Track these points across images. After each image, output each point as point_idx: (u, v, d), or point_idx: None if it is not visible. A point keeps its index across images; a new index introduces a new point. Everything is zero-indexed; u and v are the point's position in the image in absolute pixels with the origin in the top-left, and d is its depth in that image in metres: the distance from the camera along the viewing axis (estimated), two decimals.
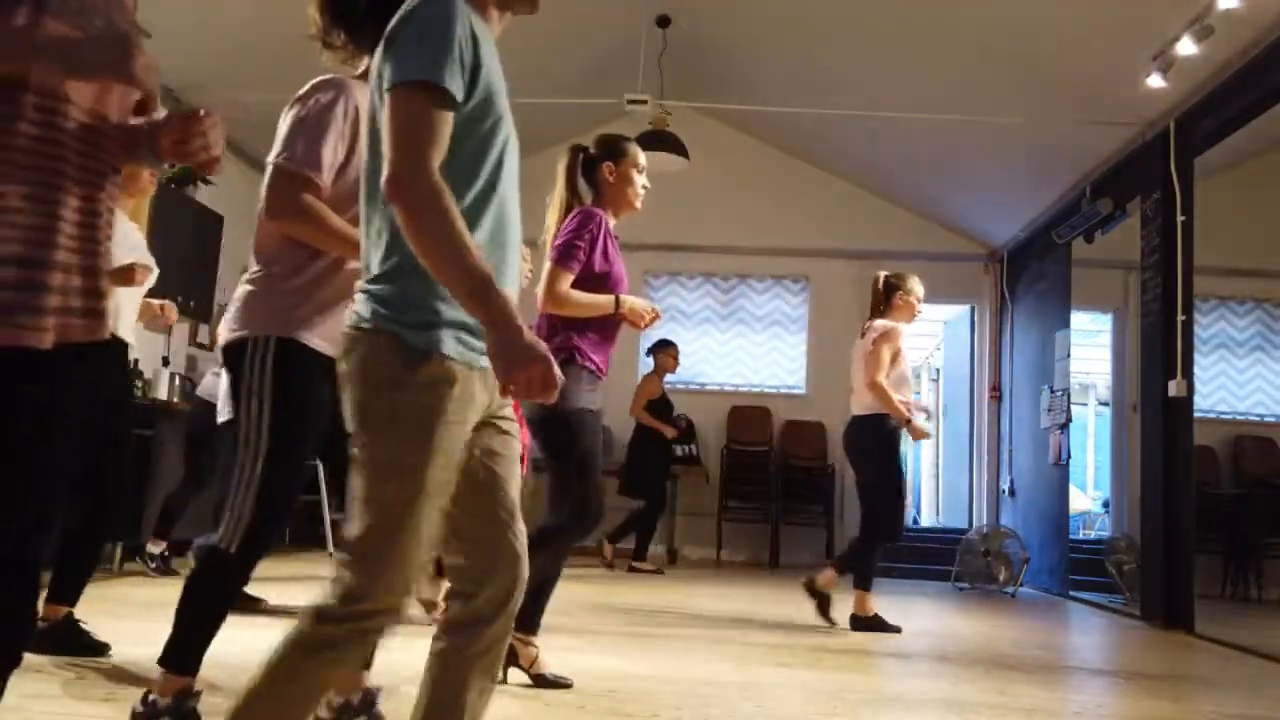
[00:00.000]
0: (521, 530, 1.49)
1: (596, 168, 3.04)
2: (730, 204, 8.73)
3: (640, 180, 3.06)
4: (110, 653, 2.91)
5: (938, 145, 7.37)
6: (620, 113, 6.93)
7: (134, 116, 1.53)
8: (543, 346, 1.30)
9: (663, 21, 6.95)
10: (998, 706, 3.01)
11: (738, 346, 9.03)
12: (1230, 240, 7.15)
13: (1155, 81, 5.34)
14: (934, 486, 11.15)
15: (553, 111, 6.75)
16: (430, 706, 1.44)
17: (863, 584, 4.53)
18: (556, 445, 2.81)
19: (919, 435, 4.59)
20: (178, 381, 5.88)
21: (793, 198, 8.82)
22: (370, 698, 2.11)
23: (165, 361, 6.16)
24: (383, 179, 1.31)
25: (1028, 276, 8.30)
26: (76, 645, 2.89)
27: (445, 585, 1.52)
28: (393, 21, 1.38)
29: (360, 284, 1.44)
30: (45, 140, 1.35)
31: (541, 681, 2.84)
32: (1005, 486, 8.51)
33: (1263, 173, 7.24)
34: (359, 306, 1.40)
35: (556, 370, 1.30)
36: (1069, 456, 7.23)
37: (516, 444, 1.53)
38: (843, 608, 4.56)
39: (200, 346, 6.84)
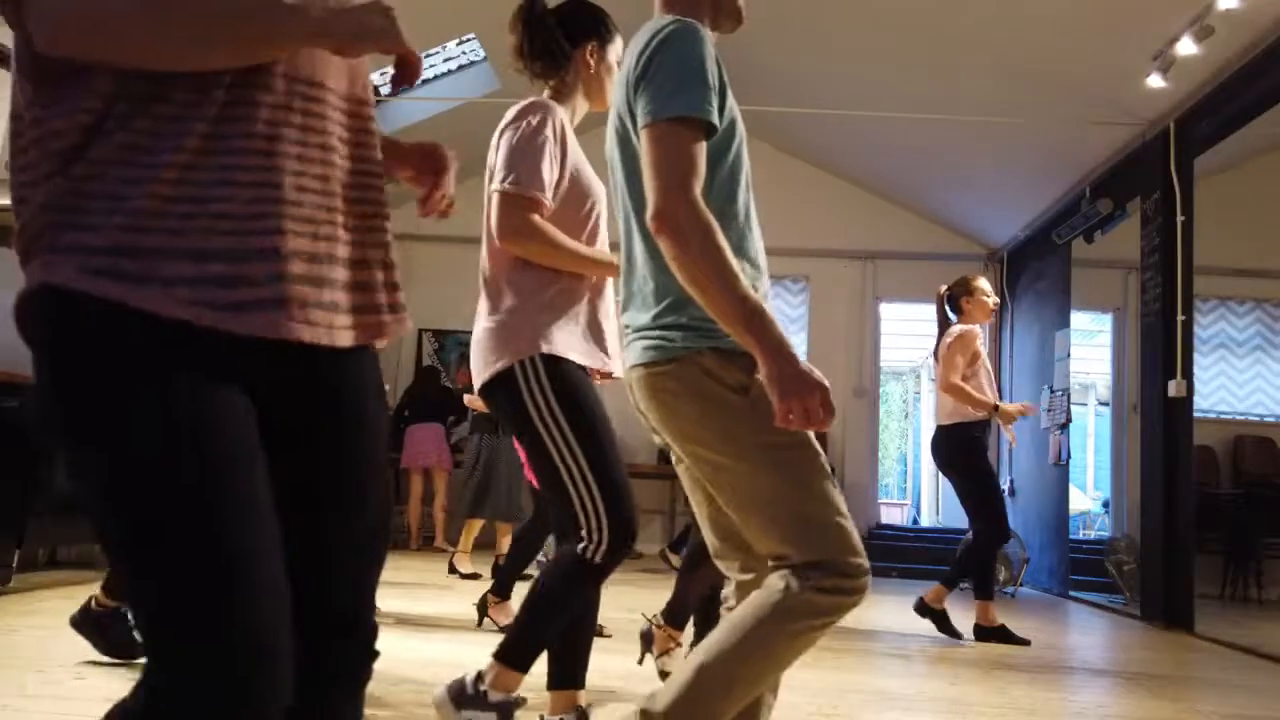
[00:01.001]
0: None
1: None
2: None
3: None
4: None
5: (938, 145, 7.37)
6: None
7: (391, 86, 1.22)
8: (818, 375, 1.31)
9: None
10: (998, 706, 3.01)
11: None
12: (1230, 240, 7.17)
13: (1155, 81, 5.34)
14: (934, 486, 11.16)
15: None
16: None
17: (984, 594, 4.49)
18: None
19: (1009, 417, 4.52)
20: None
21: (793, 198, 8.82)
22: (513, 704, 2.07)
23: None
24: (648, 214, 1.32)
25: (1027, 276, 8.30)
26: (126, 641, 2.77)
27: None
28: (640, 57, 1.40)
29: (639, 323, 1.45)
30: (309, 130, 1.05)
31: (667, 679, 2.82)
32: (1005, 486, 8.51)
33: (1263, 173, 7.26)
34: (655, 343, 1.42)
35: (831, 398, 1.32)
36: (1069, 456, 7.23)
37: None
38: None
39: None
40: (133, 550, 0.91)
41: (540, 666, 2.09)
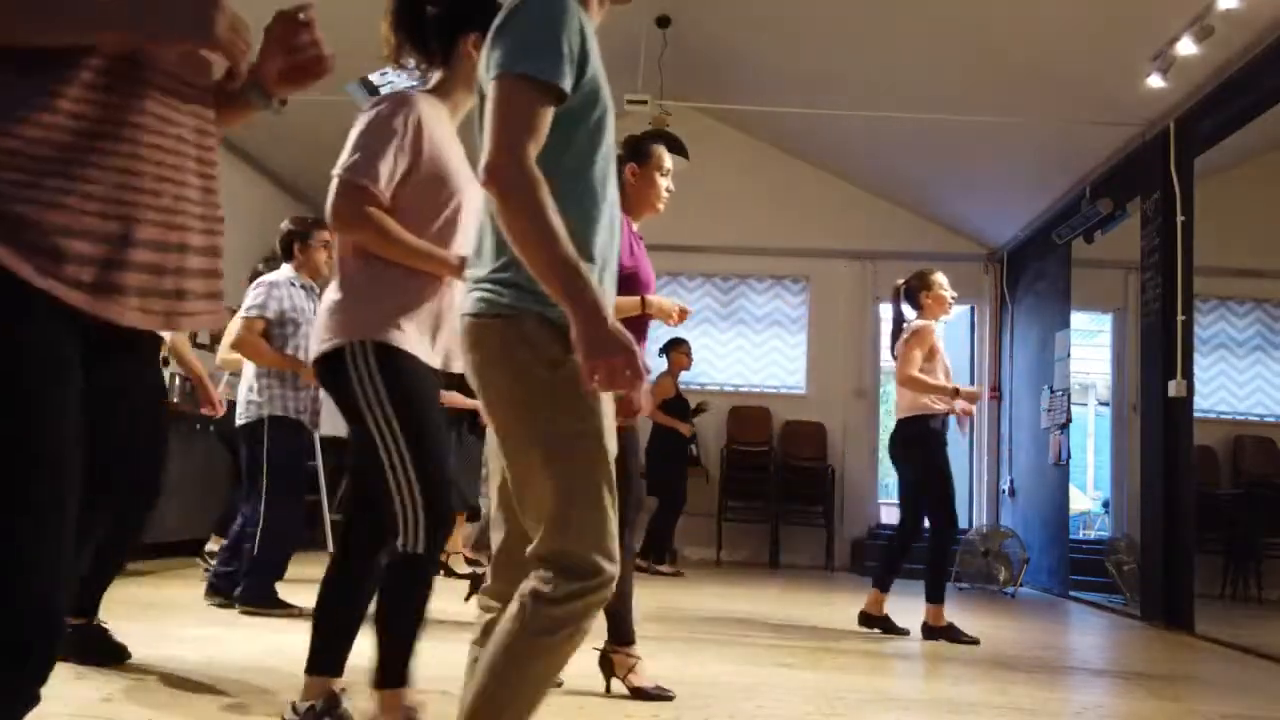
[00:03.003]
0: None
1: (620, 169, 3.02)
2: (730, 204, 8.72)
3: (664, 183, 3.05)
4: (129, 658, 2.84)
5: (938, 145, 7.37)
6: (620, 113, 6.83)
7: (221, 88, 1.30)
8: (628, 338, 1.30)
9: (663, 21, 6.95)
10: (998, 706, 3.01)
11: (738, 347, 9.02)
12: (1230, 240, 7.16)
13: (1155, 81, 5.34)
14: None
15: None
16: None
17: (935, 597, 4.43)
18: None
19: (973, 397, 4.55)
20: (178, 381, 5.88)
21: (793, 198, 8.82)
22: (334, 700, 2.10)
23: (165, 362, 6.16)
24: (479, 166, 1.33)
25: (1028, 276, 8.30)
26: (101, 650, 2.81)
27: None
28: (502, 11, 1.39)
29: (477, 274, 1.45)
30: (117, 108, 1.09)
31: (640, 694, 2.81)
32: (1005, 486, 8.51)
33: (1263, 173, 7.24)
34: (485, 294, 1.41)
35: (642, 361, 1.32)
36: (1069, 456, 7.22)
37: None
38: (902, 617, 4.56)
39: (200, 346, 6.84)
40: None
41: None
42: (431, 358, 2.08)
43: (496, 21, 1.40)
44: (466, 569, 5.78)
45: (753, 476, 8.38)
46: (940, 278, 4.79)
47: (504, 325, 1.39)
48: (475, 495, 5.49)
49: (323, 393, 3.95)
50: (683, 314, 3.00)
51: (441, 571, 5.88)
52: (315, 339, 2.09)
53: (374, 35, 2.05)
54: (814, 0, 6.25)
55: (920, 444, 4.53)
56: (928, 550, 4.58)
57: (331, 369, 2.03)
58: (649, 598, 5.41)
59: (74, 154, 1.03)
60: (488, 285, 1.42)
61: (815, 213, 8.82)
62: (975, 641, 4.36)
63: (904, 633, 4.45)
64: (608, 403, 1.43)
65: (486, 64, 1.40)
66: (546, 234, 1.30)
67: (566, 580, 1.33)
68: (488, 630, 1.49)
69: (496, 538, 1.55)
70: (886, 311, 4.87)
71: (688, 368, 7.49)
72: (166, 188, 1.11)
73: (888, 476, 13.22)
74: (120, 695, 2.46)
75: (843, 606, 4.61)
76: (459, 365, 1.95)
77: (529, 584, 1.36)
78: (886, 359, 10.17)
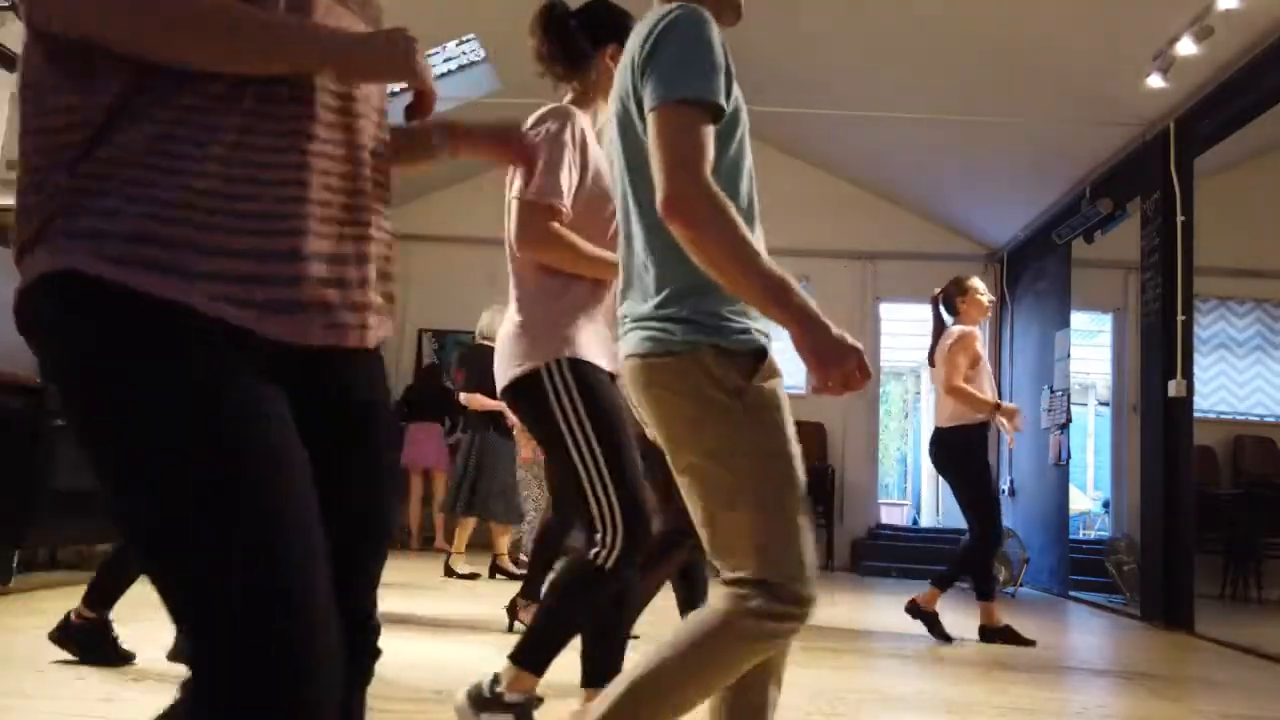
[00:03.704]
0: None
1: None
2: None
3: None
4: (134, 661, 2.81)
5: (938, 145, 7.37)
6: None
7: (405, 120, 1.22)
8: (851, 339, 1.31)
9: None
10: (998, 706, 3.01)
11: None
12: (1230, 240, 7.16)
13: (1155, 81, 5.34)
14: (934, 487, 11.15)
15: None
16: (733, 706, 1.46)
17: (985, 595, 4.48)
18: None
19: (1011, 414, 4.51)
20: None
21: (793, 198, 8.80)
22: (530, 702, 2.09)
23: None
24: (658, 198, 1.30)
25: (1028, 276, 8.30)
26: (106, 652, 2.79)
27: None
28: (646, 40, 1.38)
29: (639, 313, 1.43)
30: (277, 119, 1.01)
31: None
32: (1005, 486, 8.51)
33: (1263, 173, 7.25)
34: (654, 334, 1.39)
35: (867, 361, 1.32)
36: (1069, 456, 7.22)
37: None
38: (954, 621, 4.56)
39: None
40: (186, 539, 0.86)
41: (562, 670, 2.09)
42: (608, 364, 2.08)
43: (644, 50, 1.38)
44: (467, 569, 5.79)
45: None
46: (977, 282, 4.79)
47: (680, 362, 1.37)
48: (516, 505, 5.53)
49: None
50: None
51: (491, 574, 5.89)
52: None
53: (398, 23, 2.05)
54: (814, 0, 6.25)
55: (963, 455, 4.53)
56: (961, 550, 4.57)
57: (526, 391, 2.02)
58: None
59: (231, 173, 0.95)
60: (655, 324, 1.40)
61: (815, 213, 8.82)
62: (1032, 643, 4.35)
63: (1030, 643, 4.37)
64: (791, 425, 1.42)
65: (633, 91, 1.39)
66: (746, 254, 1.28)
67: (776, 601, 1.32)
68: None
69: None
70: (887, 311, 4.87)
71: None
72: (335, 198, 1.03)
73: (887, 477, 13.25)
74: (120, 695, 2.46)
75: (843, 606, 4.62)
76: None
77: (740, 589, 1.34)
78: (887, 359, 10.17)
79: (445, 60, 6.79)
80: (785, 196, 8.82)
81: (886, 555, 8.09)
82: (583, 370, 1.99)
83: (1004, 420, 4.51)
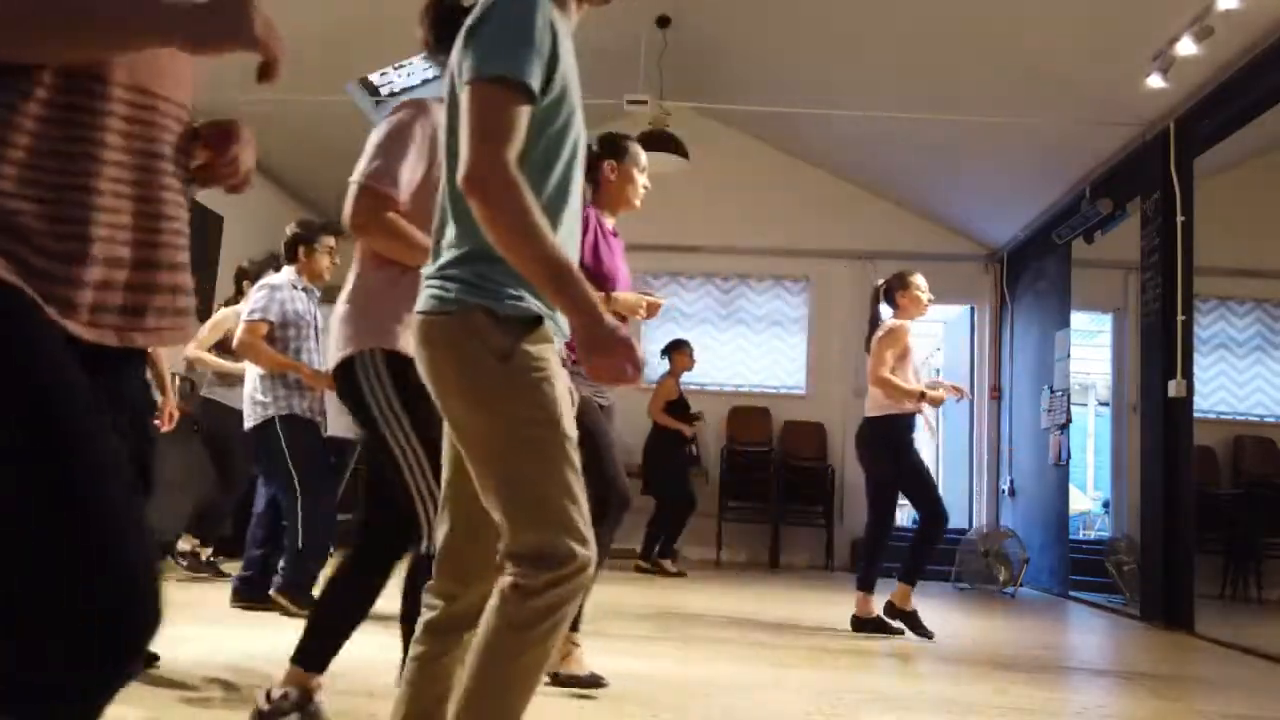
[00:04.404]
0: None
1: (597, 165, 3.06)
2: (730, 204, 8.73)
3: (641, 180, 3.09)
4: (159, 663, 2.75)
5: (938, 145, 7.37)
6: (620, 113, 6.92)
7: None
8: (624, 331, 1.32)
9: (663, 21, 6.95)
10: (998, 706, 3.01)
11: (738, 347, 9.02)
12: (1230, 240, 7.16)
13: (1155, 81, 5.34)
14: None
15: None
16: (413, 711, 1.45)
17: (866, 586, 4.51)
18: None
19: (938, 400, 4.61)
20: (178, 382, 5.88)
21: (793, 198, 8.82)
22: (308, 695, 2.10)
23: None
24: (459, 173, 1.32)
25: (1027, 277, 8.30)
26: None
27: None
28: (473, 14, 1.39)
29: (429, 271, 1.44)
30: (73, 124, 1.06)
31: (573, 682, 2.81)
32: (1005, 486, 8.51)
33: (1263, 173, 7.24)
34: (436, 292, 1.41)
35: (641, 355, 1.33)
36: (1069, 456, 7.23)
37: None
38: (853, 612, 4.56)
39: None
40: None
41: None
42: None
43: (465, 25, 1.39)
44: None
45: (753, 476, 8.37)
46: (919, 280, 4.82)
47: (451, 321, 1.38)
48: None
49: (328, 394, 3.96)
50: (652, 307, 3.00)
51: None
52: (332, 347, 2.09)
53: (374, 35, 2.05)
54: (815, 1, 6.25)
55: (887, 443, 4.55)
56: (914, 538, 4.64)
57: (346, 377, 2.05)
58: (649, 597, 5.41)
59: (33, 172, 1.01)
60: (436, 282, 1.42)
61: (815, 213, 8.82)
62: (930, 636, 4.41)
63: (899, 632, 4.44)
64: (564, 388, 1.41)
65: (458, 70, 1.39)
66: (533, 236, 1.30)
67: (542, 570, 1.32)
68: (430, 629, 1.47)
69: (441, 533, 1.53)
70: (887, 312, 4.88)
71: (690, 368, 7.51)
72: (124, 204, 1.08)
73: None
74: (119, 695, 2.45)
75: (843, 606, 4.62)
76: None
77: (505, 579, 1.34)
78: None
79: (409, 75, 6.79)
80: (785, 196, 8.85)
81: (887, 555, 8.07)
82: (398, 364, 1.98)
83: (929, 407, 4.58)
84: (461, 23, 1.94)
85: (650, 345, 7.91)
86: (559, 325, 1.44)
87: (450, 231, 1.43)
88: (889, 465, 4.57)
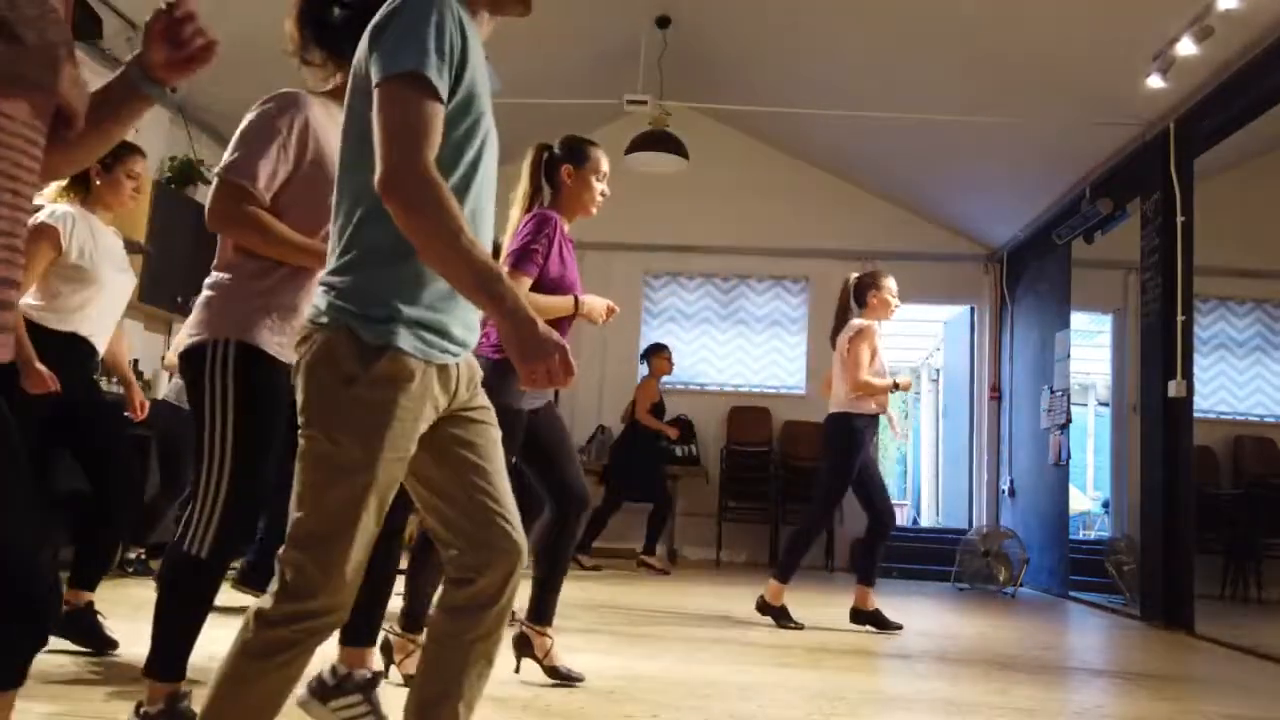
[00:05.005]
0: (513, 514, 1.48)
1: (556, 169, 2.99)
2: (730, 204, 8.73)
3: (599, 187, 3.00)
4: (115, 650, 2.91)
5: (938, 145, 7.37)
6: (620, 113, 6.93)
7: (56, 135, 1.25)
8: (556, 336, 1.31)
9: (663, 22, 6.95)
10: (998, 707, 3.01)
11: (738, 347, 9.02)
12: (1230, 240, 7.16)
13: (1155, 82, 5.34)
14: (934, 486, 11.15)
15: (553, 112, 6.75)
16: (429, 689, 1.44)
17: (782, 578, 4.55)
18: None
19: (907, 386, 4.81)
20: (176, 380, 5.89)
21: (793, 198, 8.82)
22: (375, 678, 2.09)
23: (163, 360, 6.17)
24: (376, 176, 1.28)
25: (1027, 277, 8.30)
26: (92, 636, 2.91)
27: None
28: (378, 15, 1.36)
29: (321, 275, 1.43)
30: None
31: (554, 674, 2.86)
32: (1005, 487, 8.51)
33: (1263, 173, 7.24)
34: (318, 300, 1.39)
35: (572, 359, 1.32)
36: (1069, 457, 7.22)
37: (494, 431, 1.52)
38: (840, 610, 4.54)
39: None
40: None
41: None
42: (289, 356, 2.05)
43: (375, 24, 1.36)
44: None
45: (753, 476, 8.38)
46: (891, 283, 4.86)
47: (318, 334, 1.37)
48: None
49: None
50: (610, 312, 2.99)
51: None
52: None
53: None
54: (814, 1, 6.25)
55: (846, 439, 4.57)
56: (865, 535, 4.71)
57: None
58: (650, 597, 5.41)
59: None
60: (320, 289, 1.40)
61: (815, 213, 8.82)
62: (899, 628, 4.50)
63: (798, 626, 4.45)
64: (409, 427, 1.37)
65: (363, 72, 1.36)
66: (459, 241, 1.27)
67: (285, 600, 1.32)
68: (446, 608, 1.48)
69: (451, 554, 1.52)
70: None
71: (669, 372, 7.59)
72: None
73: (887, 477, 13.25)
74: (119, 694, 2.45)
75: (843, 606, 4.61)
76: None
77: (257, 601, 1.35)
78: (886, 359, 10.15)
79: None
80: (785, 196, 8.84)
81: (887, 555, 8.03)
82: (249, 357, 1.97)
83: (895, 410, 4.71)
84: (334, 17, 1.85)
85: (625, 345, 8.00)
86: (442, 349, 1.40)
87: (339, 235, 1.40)
88: (841, 462, 4.58)
